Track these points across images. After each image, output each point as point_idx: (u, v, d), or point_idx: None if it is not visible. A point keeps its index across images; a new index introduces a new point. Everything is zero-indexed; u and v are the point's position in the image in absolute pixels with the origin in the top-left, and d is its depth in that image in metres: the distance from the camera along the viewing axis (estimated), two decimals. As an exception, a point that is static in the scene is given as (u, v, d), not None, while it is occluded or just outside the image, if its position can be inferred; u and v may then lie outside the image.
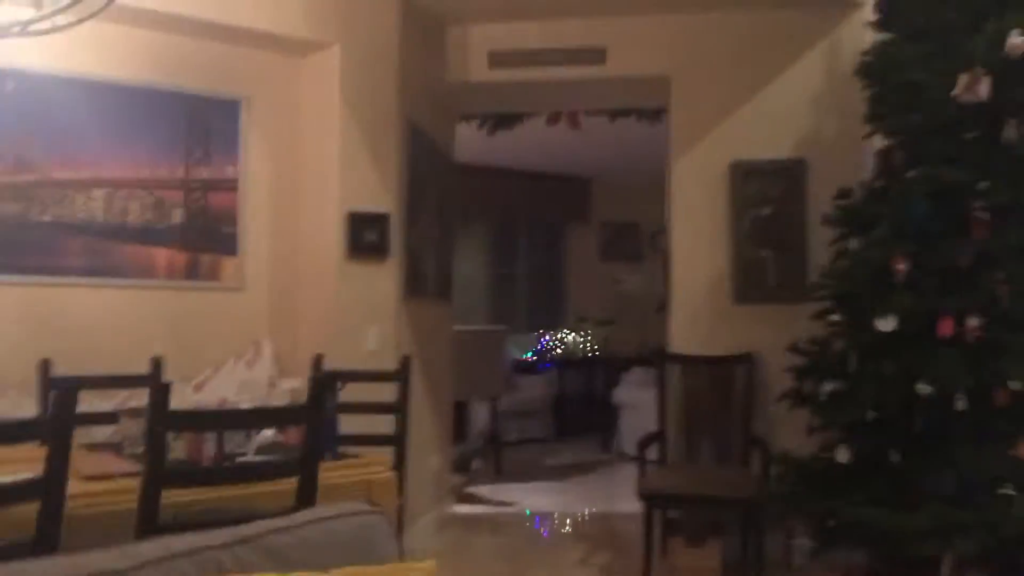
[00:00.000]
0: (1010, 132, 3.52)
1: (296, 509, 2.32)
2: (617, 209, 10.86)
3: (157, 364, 3.64)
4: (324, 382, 2.43)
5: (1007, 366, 3.38)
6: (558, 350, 10.14)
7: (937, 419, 3.52)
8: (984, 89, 3.51)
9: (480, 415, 8.08)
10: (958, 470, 3.45)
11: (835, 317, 3.92)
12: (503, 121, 6.06)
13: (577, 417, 10.03)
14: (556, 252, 10.78)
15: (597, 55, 5.09)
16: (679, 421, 4.96)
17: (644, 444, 4.73)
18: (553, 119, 6.10)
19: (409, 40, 4.82)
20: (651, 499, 4.47)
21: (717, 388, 4.92)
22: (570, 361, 10.15)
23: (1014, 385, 3.38)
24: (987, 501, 3.36)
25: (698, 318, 5.03)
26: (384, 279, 4.69)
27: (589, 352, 10.28)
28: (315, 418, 2.33)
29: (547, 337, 10.18)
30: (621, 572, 4.69)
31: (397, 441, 3.75)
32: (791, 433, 4.40)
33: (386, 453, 3.61)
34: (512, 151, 8.06)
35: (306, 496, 2.34)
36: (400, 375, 3.87)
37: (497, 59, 5.18)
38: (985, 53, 3.53)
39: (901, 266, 3.54)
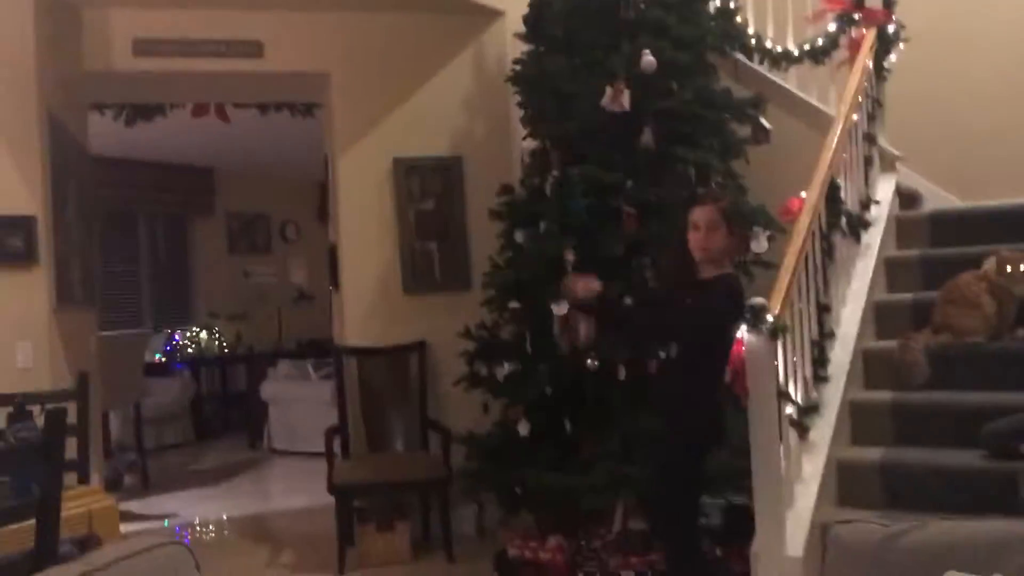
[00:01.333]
0: (647, 138, 4.10)
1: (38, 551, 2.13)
2: (244, 200, 10.59)
3: None
4: (56, 417, 2.20)
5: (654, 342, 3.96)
6: (190, 349, 9.69)
7: (603, 390, 4.02)
8: (626, 100, 4.05)
9: (116, 426, 7.50)
10: (622, 432, 3.97)
11: (514, 304, 4.27)
12: (143, 112, 5.68)
13: (217, 417, 9.69)
14: (181, 246, 10.24)
15: (254, 48, 4.99)
16: (359, 412, 5.08)
17: (329, 437, 4.80)
18: (200, 111, 5.84)
19: (44, 23, 4.36)
20: (342, 492, 4.55)
21: (393, 377, 5.12)
22: (204, 360, 9.76)
23: (662, 355, 3.96)
24: (644, 457, 3.92)
25: (371, 309, 5.17)
26: (32, 289, 4.23)
27: (225, 349, 9.95)
28: (56, 456, 2.13)
29: (177, 336, 9.68)
30: (313, 568, 4.72)
31: (81, 467, 3.46)
32: (467, 413, 4.73)
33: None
34: (141, 143, 7.53)
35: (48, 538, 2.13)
36: (78, 394, 3.56)
37: (143, 47, 4.87)
38: (625, 68, 4.07)
39: (571, 256, 3.98)
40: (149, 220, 9.85)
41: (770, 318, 3.28)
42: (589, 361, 3.97)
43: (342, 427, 4.99)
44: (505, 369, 4.35)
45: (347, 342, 5.16)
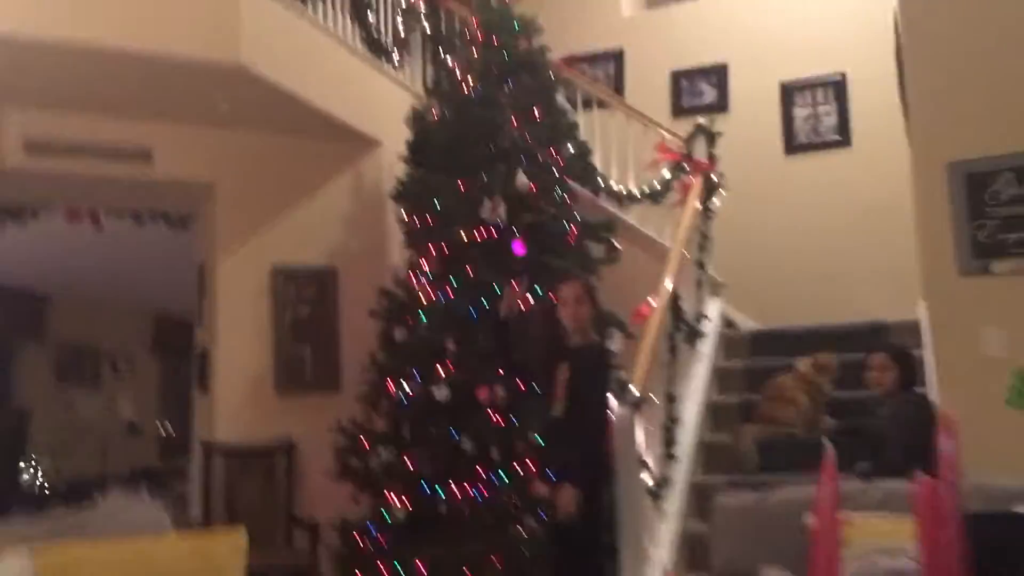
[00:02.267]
0: (519, 247, 4.66)
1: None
2: (76, 330, 10.32)
3: None
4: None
5: (524, 423, 4.37)
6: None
7: (477, 469, 4.35)
8: (502, 212, 4.62)
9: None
10: (494, 508, 4.29)
11: (406, 387, 4.56)
12: (14, 214, 5.72)
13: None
14: (4, 373, 9.78)
15: (143, 154, 5.25)
16: (223, 510, 5.11)
17: (196, 531, 4.80)
18: (74, 216, 5.93)
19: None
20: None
21: (260, 475, 5.22)
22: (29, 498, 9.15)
23: (531, 438, 4.36)
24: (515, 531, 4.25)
25: (242, 409, 5.31)
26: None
27: (46, 488, 9.38)
28: None
29: (-8, 469, 9.08)
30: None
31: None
32: (335, 507, 4.88)
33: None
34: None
35: None
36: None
37: (36, 147, 5.03)
38: (501, 186, 4.66)
39: (451, 346, 4.39)
40: (-27, 343, 9.40)
41: (634, 390, 3.80)
42: (465, 443, 4.31)
43: (206, 525, 5.00)
44: (381, 456, 4.59)
45: (216, 440, 5.23)
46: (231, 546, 1.80)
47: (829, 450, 1.76)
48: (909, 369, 4.02)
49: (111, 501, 1.91)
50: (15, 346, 9.81)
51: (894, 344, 4.39)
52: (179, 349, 10.39)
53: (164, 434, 10.91)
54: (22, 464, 9.29)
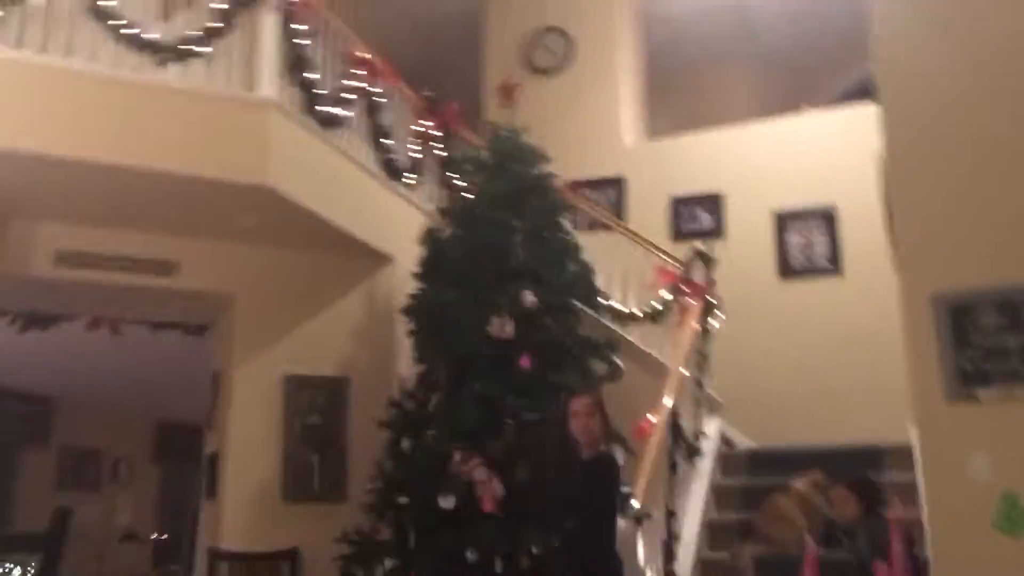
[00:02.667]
0: (525, 362, 4.85)
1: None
2: (79, 434, 10.40)
3: None
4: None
5: (529, 535, 4.47)
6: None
7: (482, 580, 4.43)
8: (510, 329, 4.84)
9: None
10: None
11: (402, 499, 4.69)
12: (39, 320, 5.94)
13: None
14: (8, 476, 9.82)
15: (169, 267, 5.50)
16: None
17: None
18: (94, 324, 6.15)
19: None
20: None
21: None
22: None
23: (534, 550, 4.46)
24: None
25: (248, 515, 5.39)
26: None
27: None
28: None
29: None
30: None
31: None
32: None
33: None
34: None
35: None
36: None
37: (65, 258, 5.29)
38: (510, 303, 4.89)
39: (458, 457, 4.53)
40: (-24, 447, 9.48)
41: (636, 504, 3.93)
42: (468, 554, 4.41)
43: (209, 633, 5.03)
44: (386, 567, 4.67)
45: (221, 547, 5.30)
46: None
47: (811, 545, 1.90)
48: (871, 496, 4.14)
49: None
50: (18, 451, 9.88)
51: (855, 477, 4.45)
52: (181, 455, 10.47)
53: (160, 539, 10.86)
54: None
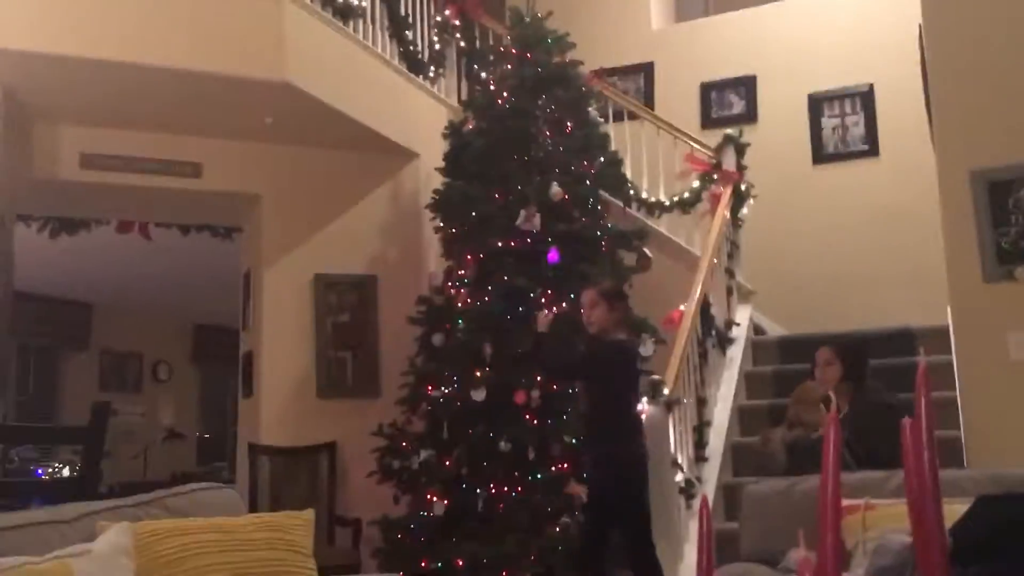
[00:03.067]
0: (553, 255, 4.82)
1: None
2: (119, 338, 10.61)
3: None
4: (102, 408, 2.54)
5: (560, 426, 4.52)
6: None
7: (514, 469, 4.50)
8: (537, 222, 4.78)
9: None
10: (531, 507, 4.44)
11: (444, 389, 4.73)
12: (68, 225, 5.98)
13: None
14: (50, 379, 10.09)
15: (193, 168, 5.48)
16: (268, 510, 5.30)
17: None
18: (125, 227, 6.18)
19: (6, 133, 4.74)
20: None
21: (304, 475, 5.41)
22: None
23: (566, 439, 4.51)
24: (551, 529, 4.39)
25: (285, 412, 5.50)
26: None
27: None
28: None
29: (40, 471, 9.37)
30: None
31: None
32: (376, 507, 5.06)
33: None
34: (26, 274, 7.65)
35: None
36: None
37: (90, 161, 5.27)
38: (536, 196, 4.82)
39: (488, 349, 4.55)
40: (21, 350, 9.71)
41: (666, 391, 3.94)
42: (502, 444, 4.47)
43: (253, 522, 5.19)
44: (421, 456, 4.76)
45: (261, 442, 5.43)
46: (301, 522, 1.97)
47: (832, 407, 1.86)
48: (854, 365, 3.97)
49: (191, 487, 2.09)
50: (60, 355, 10.12)
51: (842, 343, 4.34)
52: (219, 357, 10.68)
53: (203, 437, 11.17)
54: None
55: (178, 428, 10.79)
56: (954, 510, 1.85)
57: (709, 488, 4.46)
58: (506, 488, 4.51)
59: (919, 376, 0.84)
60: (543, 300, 4.67)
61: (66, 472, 8.07)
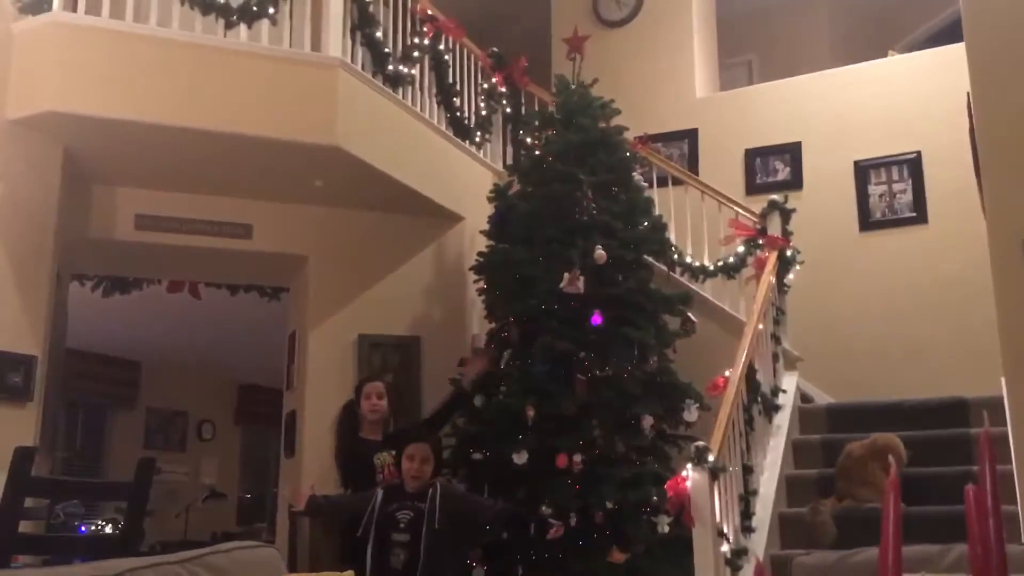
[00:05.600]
0: (597, 319, 4.81)
1: None
2: (165, 397, 10.73)
3: None
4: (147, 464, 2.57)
5: (603, 491, 4.47)
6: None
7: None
8: (581, 284, 4.79)
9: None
10: (572, 574, 4.37)
11: (476, 456, 4.72)
12: (120, 285, 6.11)
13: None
14: (98, 437, 10.22)
15: (244, 230, 5.59)
16: (308, 570, 5.26)
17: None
18: (175, 287, 6.30)
19: (68, 193, 4.89)
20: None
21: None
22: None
23: (608, 505, 4.45)
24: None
25: (328, 472, 5.47)
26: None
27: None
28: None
29: (83, 527, 9.44)
30: None
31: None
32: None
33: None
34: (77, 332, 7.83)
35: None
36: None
37: (145, 222, 5.41)
38: (580, 259, 4.84)
39: (531, 412, 4.53)
40: (69, 407, 9.86)
41: (711, 458, 3.87)
42: (544, 508, 4.42)
43: (292, 584, 5.15)
44: (462, 521, 4.71)
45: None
46: (341, 581, 1.96)
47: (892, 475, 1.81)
48: None
49: (232, 546, 2.09)
50: (108, 412, 10.26)
51: None
52: (262, 417, 10.75)
53: (244, 497, 11.18)
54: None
55: (220, 487, 10.81)
56: (1014, 587, 1.78)
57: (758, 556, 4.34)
58: (547, 555, 4.44)
59: (982, 441, 0.82)
60: (586, 364, 4.66)
61: (109, 529, 8.11)
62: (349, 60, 5.04)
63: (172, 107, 4.60)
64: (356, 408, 4.85)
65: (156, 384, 10.55)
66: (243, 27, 4.81)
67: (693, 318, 5.25)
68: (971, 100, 4.42)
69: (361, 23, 5.26)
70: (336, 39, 4.96)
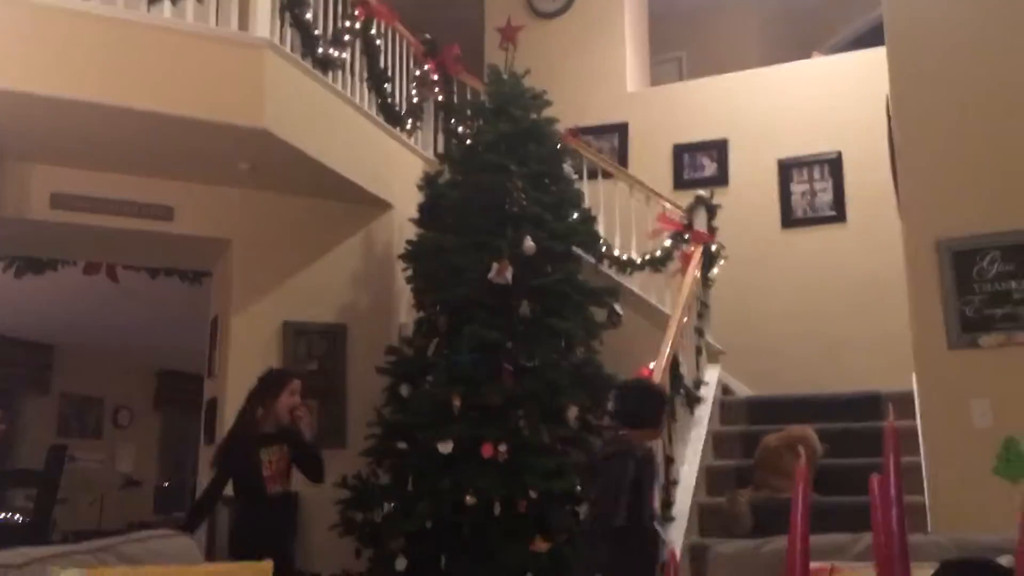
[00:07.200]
0: (525, 308, 4.82)
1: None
2: (80, 382, 10.42)
3: None
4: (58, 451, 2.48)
5: (527, 480, 4.48)
6: None
7: (479, 524, 4.44)
8: (509, 275, 4.80)
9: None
10: (495, 564, 4.38)
11: (401, 445, 4.70)
12: (34, 265, 5.90)
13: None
14: (9, 423, 9.85)
15: (165, 211, 5.45)
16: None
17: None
18: (92, 269, 6.11)
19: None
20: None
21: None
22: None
23: (532, 495, 4.47)
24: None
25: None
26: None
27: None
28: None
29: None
30: None
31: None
32: (337, 561, 4.97)
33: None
34: None
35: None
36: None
37: (61, 201, 5.23)
38: (509, 249, 4.84)
39: (457, 402, 4.52)
40: (-24, 393, 9.51)
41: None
42: (468, 498, 4.42)
43: (210, 574, 5.06)
44: (384, 509, 4.69)
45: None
46: (258, 572, 1.93)
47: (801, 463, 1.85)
48: None
49: (146, 534, 2.04)
50: (19, 397, 9.91)
51: None
52: (181, 403, 10.52)
53: (162, 485, 10.94)
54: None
55: (137, 476, 10.57)
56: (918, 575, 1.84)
57: (677, 548, 4.41)
58: (470, 543, 4.44)
59: (887, 433, 0.85)
60: (513, 354, 4.67)
61: (19, 519, 7.85)
62: (278, 41, 4.94)
63: (91, 83, 4.43)
64: (270, 396, 4.34)
65: (70, 369, 10.23)
66: (167, 3, 4.67)
67: (619, 310, 5.30)
68: (890, 103, 4.56)
69: (290, 3, 5.15)
70: (264, 19, 4.84)
